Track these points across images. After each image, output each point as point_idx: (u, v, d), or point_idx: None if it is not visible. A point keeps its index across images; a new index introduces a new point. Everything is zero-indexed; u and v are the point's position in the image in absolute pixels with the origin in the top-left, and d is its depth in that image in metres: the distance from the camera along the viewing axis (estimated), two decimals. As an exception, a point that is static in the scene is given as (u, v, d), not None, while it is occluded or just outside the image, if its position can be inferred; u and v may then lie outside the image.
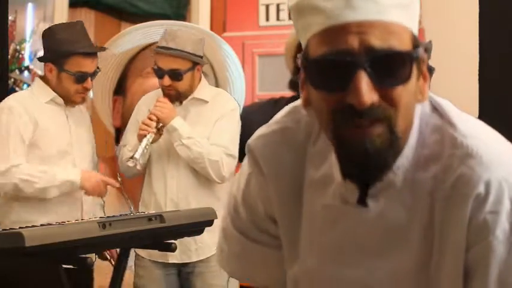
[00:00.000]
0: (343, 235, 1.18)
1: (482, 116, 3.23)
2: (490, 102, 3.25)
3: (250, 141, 1.28)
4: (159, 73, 3.15)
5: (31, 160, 2.97)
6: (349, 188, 1.15)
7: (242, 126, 3.40)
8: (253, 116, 3.55)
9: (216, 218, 2.75)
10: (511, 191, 1.08)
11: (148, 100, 3.29)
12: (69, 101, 3.07)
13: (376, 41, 1.03)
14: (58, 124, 3.05)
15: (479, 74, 3.27)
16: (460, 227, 1.09)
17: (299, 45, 1.16)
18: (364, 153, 1.06)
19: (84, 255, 2.17)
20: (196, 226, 2.70)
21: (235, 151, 3.21)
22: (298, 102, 1.20)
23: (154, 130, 3.08)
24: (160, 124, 3.10)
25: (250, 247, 1.32)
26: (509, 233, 1.08)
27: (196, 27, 4.18)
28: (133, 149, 3.14)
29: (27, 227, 2.20)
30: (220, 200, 3.17)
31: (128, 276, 2.81)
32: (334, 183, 1.18)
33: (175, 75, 3.11)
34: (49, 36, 3.09)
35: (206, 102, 3.22)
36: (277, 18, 4.92)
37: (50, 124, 3.01)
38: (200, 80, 3.26)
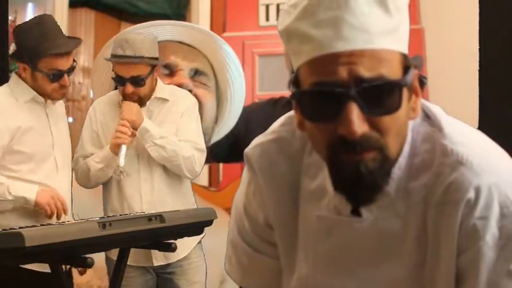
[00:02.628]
0: (337, 245, 1.19)
1: (482, 116, 3.23)
2: (490, 102, 3.25)
3: (247, 149, 1.28)
4: (120, 81, 3.11)
5: (14, 164, 2.86)
6: (342, 199, 1.15)
7: (242, 125, 3.41)
8: (253, 116, 3.56)
9: (216, 217, 2.75)
10: (500, 196, 1.08)
11: (104, 108, 3.24)
12: (49, 98, 2.97)
13: (365, 71, 1.03)
14: (39, 124, 2.93)
15: (479, 74, 3.27)
16: (452, 233, 1.10)
17: None
18: (359, 175, 1.06)
19: (84, 255, 2.17)
20: (196, 226, 2.71)
21: (203, 145, 3.21)
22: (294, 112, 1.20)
23: (131, 138, 3.05)
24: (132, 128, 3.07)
25: (257, 258, 1.32)
26: (498, 238, 1.08)
27: (197, 27, 4.19)
28: (102, 160, 3.10)
29: (27, 226, 2.20)
30: (189, 198, 3.21)
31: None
32: (327, 194, 1.18)
33: (138, 81, 3.08)
34: (20, 34, 2.95)
35: (167, 100, 3.19)
36: (277, 18, 4.92)
37: (32, 125, 2.89)
38: (156, 79, 3.24)
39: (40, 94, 2.94)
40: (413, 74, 1.10)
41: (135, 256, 3.04)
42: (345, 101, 1.03)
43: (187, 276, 3.18)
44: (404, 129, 1.11)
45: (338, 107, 1.04)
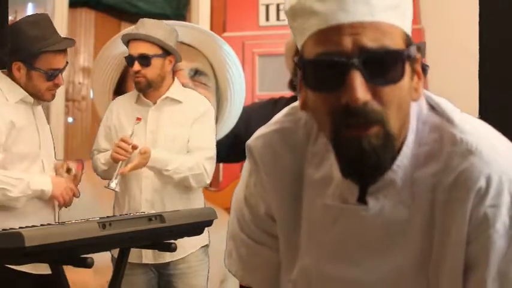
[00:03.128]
0: (343, 234, 1.19)
1: (483, 115, 3.23)
2: (490, 102, 3.25)
3: (249, 141, 1.29)
4: (130, 60, 3.15)
5: (9, 163, 2.83)
6: (349, 187, 1.15)
7: (242, 126, 3.40)
8: (253, 116, 3.56)
9: (216, 217, 2.75)
10: (511, 185, 1.09)
11: (121, 105, 3.28)
12: (39, 98, 2.95)
13: (369, 41, 1.06)
14: (29, 125, 2.91)
15: (479, 74, 3.27)
16: (462, 222, 1.10)
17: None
18: (362, 152, 1.08)
19: (84, 255, 2.17)
20: (196, 226, 2.70)
21: (215, 151, 3.24)
22: (297, 103, 1.21)
23: (130, 155, 3.09)
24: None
25: (256, 249, 1.32)
26: (509, 226, 1.09)
27: (197, 27, 4.18)
28: (106, 163, 3.18)
29: (27, 226, 2.20)
30: (194, 199, 3.20)
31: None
32: (333, 182, 1.19)
33: (143, 59, 3.11)
34: (15, 33, 2.89)
35: (180, 102, 3.21)
36: (277, 18, 4.92)
37: (23, 125, 2.87)
38: (173, 80, 3.26)
39: (32, 94, 2.92)
40: (416, 54, 1.12)
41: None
42: (348, 70, 1.05)
43: (185, 279, 3.18)
44: (406, 106, 1.12)
45: (342, 76, 1.06)
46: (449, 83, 4.25)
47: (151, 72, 3.13)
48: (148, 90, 3.17)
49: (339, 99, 1.06)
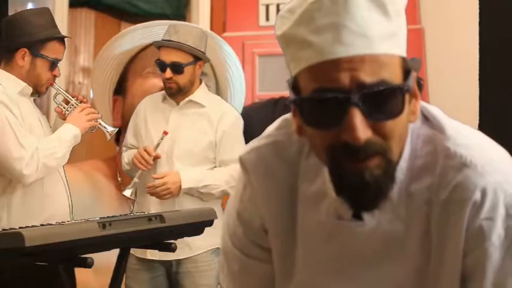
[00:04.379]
0: (339, 249, 1.18)
1: (483, 116, 3.23)
2: (490, 102, 3.25)
3: (242, 154, 1.27)
4: (161, 66, 3.17)
5: None
6: (343, 203, 1.14)
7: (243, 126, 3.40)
8: (253, 116, 3.56)
9: (216, 217, 2.75)
10: (506, 197, 1.09)
11: (148, 103, 3.31)
12: (37, 90, 2.96)
13: (367, 77, 1.03)
14: (32, 116, 2.92)
15: (479, 74, 3.27)
16: (458, 235, 1.10)
17: None
18: (364, 183, 1.06)
19: (84, 255, 2.17)
20: (196, 226, 2.70)
21: None
22: (290, 115, 1.19)
23: (150, 166, 3.14)
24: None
25: (248, 263, 1.30)
26: (504, 238, 1.09)
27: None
28: (128, 163, 3.22)
29: (27, 226, 2.20)
30: (206, 202, 3.19)
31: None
32: (327, 198, 1.17)
33: (176, 68, 3.13)
34: (21, 21, 2.93)
35: (203, 106, 3.22)
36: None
37: (28, 117, 2.87)
38: (200, 83, 3.27)
39: (32, 84, 2.92)
40: (413, 77, 1.09)
41: None
42: (347, 107, 1.03)
43: (192, 278, 3.18)
44: (405, 132, 1.11)
45: (341, 113, 1.03)
46: (450, 83, 4.25)
47: (183, 79, 3.16)
48: (178, 95, 3.20)
49: (338, 135, 1.04)
